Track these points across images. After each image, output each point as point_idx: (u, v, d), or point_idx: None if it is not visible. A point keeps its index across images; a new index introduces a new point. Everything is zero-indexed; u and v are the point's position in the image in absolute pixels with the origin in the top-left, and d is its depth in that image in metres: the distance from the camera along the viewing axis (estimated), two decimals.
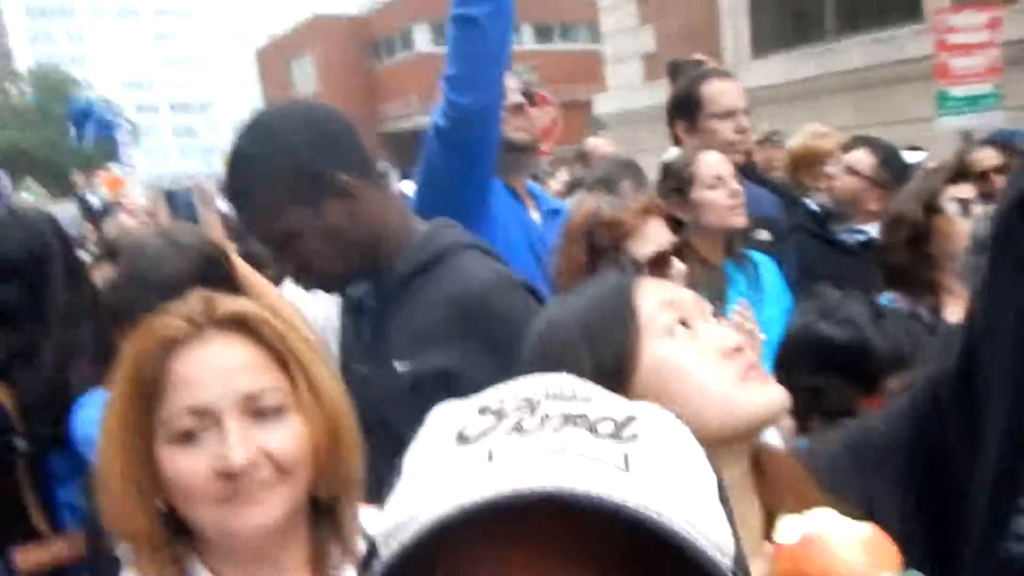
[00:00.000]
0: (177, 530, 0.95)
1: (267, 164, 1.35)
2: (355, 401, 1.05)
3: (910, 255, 2.21)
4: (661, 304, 0.93)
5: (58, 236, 2.12)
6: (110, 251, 3.71)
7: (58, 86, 64.57)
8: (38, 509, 1.98)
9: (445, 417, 0.57)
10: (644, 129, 11.80)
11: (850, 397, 1.40)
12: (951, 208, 2.17)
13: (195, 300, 1.00)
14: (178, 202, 1.98)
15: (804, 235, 2.94)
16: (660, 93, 11.50)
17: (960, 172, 2.29)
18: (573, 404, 0.53)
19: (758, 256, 2.40)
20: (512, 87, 2.20)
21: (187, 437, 0.92)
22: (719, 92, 2.61)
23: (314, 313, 2.49)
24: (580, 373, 0.89)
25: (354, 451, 1.01)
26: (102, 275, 3.60)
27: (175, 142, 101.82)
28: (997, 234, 0.85)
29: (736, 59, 10.37)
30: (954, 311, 2.11)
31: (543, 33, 31.12)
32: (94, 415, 1.67)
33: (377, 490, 1.03)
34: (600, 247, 1.79)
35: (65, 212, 2.29)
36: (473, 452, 0.49)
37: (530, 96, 2.33)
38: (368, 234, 1.41)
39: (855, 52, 8.84)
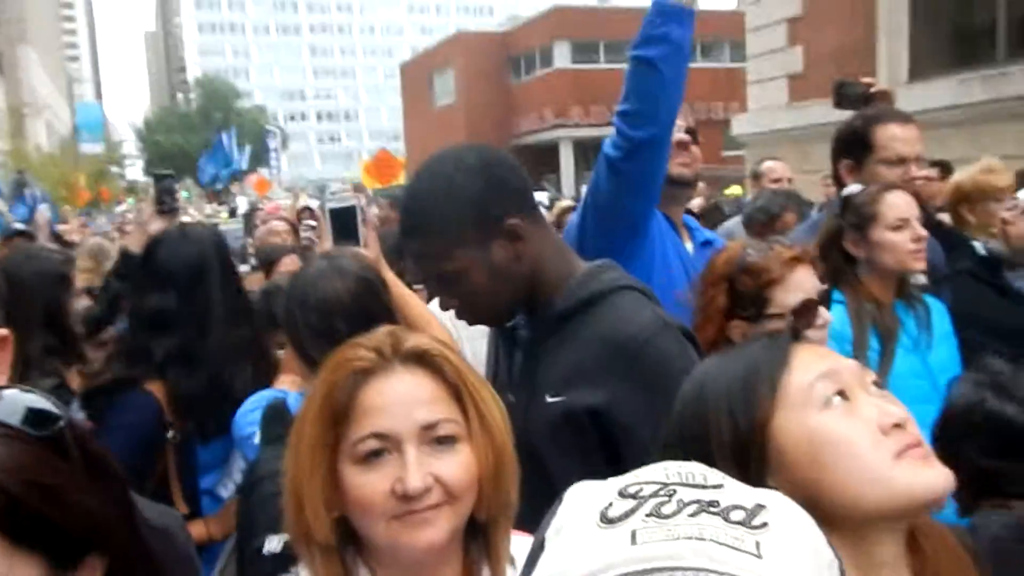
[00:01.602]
0: (346, 538, 1.05)
1: (443, 209, 1.41)
2: None
3: None
4: (819, 375, 0.91)
5: (218, 249, 2.28)
6: (264, 261, 3.91)
7: (220, 94, 69.53)
8: (180, 494, 2.11)
9: (585, 497, 0.60)
10: (786, 150, 11.43)
11: None
12: None
13: (383, 334, 1.10)
14: (338, 221, 2.07)
15: (971, 281, 2.75)
16: (804, 114, 11.14)
17: None
18: (706, 492, 0.58)
19: (929, 299, 2.31)
20: (679, 124, 2.23)
21: (370, 459, 1.01)
22: (892, 138, 2.49)
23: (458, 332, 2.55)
24: (720, 438, 0.91)
25: (513, 479, 1.08)
26: (258, 282, 3.81)
27: (318, 147, 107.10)
28: None
29: (892, 82, 9.86)
30: None
31: None
32: (255, 417, 1.79)
33: (521, 516, 1.06)
34: (743, 293, 1.78)
35: (231, 227, 2.45)
36: (617, 533, 0.54)
37: (693, 133, 2.34)
38: (531, 272, 1.45)
39: None
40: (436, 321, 2.10)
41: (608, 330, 1.38)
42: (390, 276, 2.02)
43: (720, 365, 0.99)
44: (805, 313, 1.73)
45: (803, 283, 1.77)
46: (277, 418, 1.71)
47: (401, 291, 2.05)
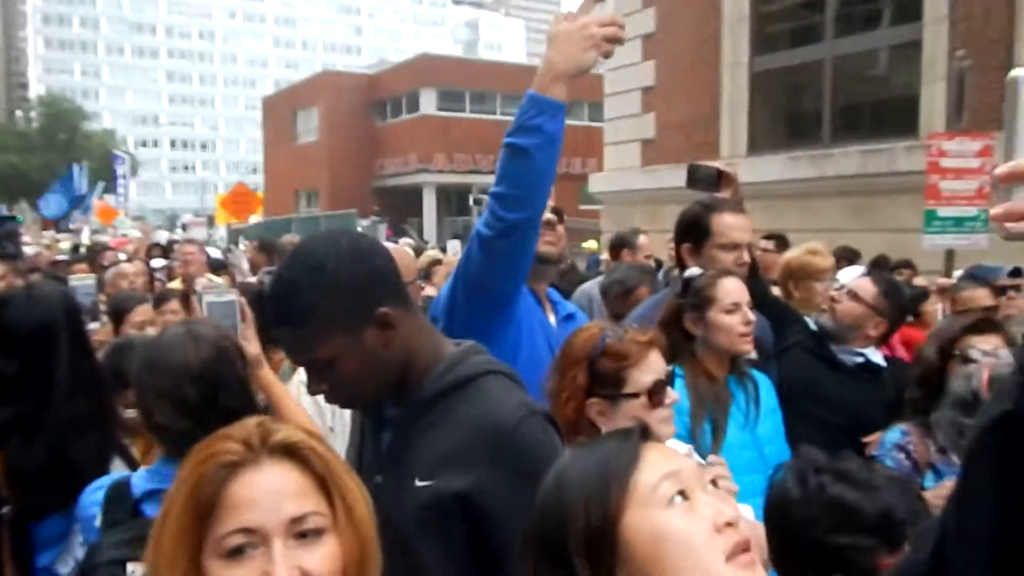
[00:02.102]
0: None
1: (315, 298, 1.41)
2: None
3: (923, 393, 2.34)
4: (662, 476, 1.00)
5: (67, 313, 2.19)
6: (115, 311, 3.76)
7: (65, 114, 65.31)
8: (14, 573, 2.00)
9: None
10: (637, 211, 12.04)
11: (878, 557, 1.45)
12: (974, 355, 2.27)
13: (252, 425, 1.09)
14: (215, 314, 2.02)
15: (803, 353, 3.01)
16: (656, 177, 11.76)
17: (986, 323, 2.42)
18: None
19: (757, 374, 2.51)
20: (547, 204, 2.33)
21: (236, 554, 1.01)
22: (728, 226, 2.73)
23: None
24: (575, 531, 0.99)
25: (376, 569, 1.10)
26: (107, 335, 3.65)
27: (171, 176, 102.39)
28: (973, 447, 0.90)
29: (732, 153, 10.64)
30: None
31: None
32: (99, 498, 1.73)
33: None
34: (602, 373, 1.88)
35: (83, 282, 2.35)
36: None
37: (560, 213, 2.47)
38: (401, 358, 1.47)
39: (850, 159, 9.10)
40: (301, 412, 2.12)
41: (477, 416, 1.42)
42: (258, 360, 2.01)
43: (577, 460, 1.06)
44: (658, 392, 1.87)
45: (655, 364, 1.90)
46: (119, 501, 1.67)
47: (268, 378, 2.05)
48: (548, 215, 2.36)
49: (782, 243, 5.93)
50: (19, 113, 74.62)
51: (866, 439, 2.63)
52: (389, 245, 3.32)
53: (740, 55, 10.57)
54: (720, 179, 3.04)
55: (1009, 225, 0.85)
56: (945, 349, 2.34)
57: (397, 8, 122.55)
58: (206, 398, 1.69)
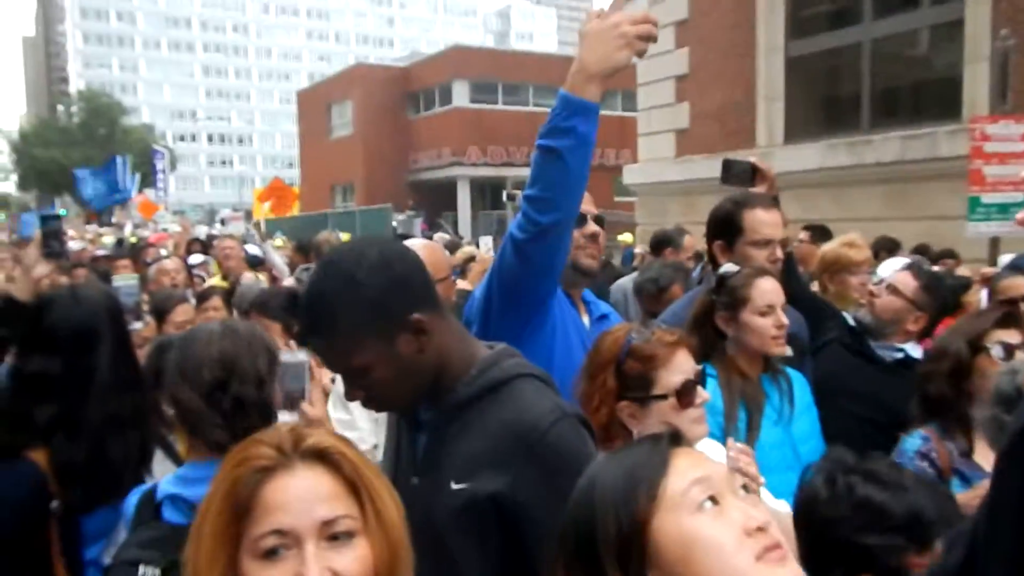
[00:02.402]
0: None
1: (346, 308, 1.44)
2: (406, 512, 1.16)
3: (950, 388, 2.28)
4: (693, 481, 1.01)
5: (110, 314, 2.24)
6: (157, 310, 3.83)
7: (105, 109, 66.50)
8: (63, 567, 2.06)
9: None
10: (672, 202, 11.95)
11: (906, 558, 1.46)
12: (996, 351, 2.23)
13: (285, 431, 1.13)
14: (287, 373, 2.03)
15: (840, 348, 2.97)
16: (690, 168, 11.66)
17: (1011, 316, 2.36)
18: None
19: (791, 372, 2.49)
20: (590, 212, 2.35)
21: (270, 555, 1.05)
22: (760, 223, 2.72)
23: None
24: (605, 535, 1.01)
25: (409, 571, 1.13)
26: (151, 332, 3.70)
27: (208, 171, 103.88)
28: (1010, 449, 0.89)
29: (769, 142, 10.51)
30: (983, 453, 2.17)
31: None
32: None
33: None
34: (630, 375, 1.89)
35: (127, 282, 2.39)
36: None
37: (601, 222, 2.45)
38: (434, 363, 1.50)
39: (889, 146, 8.93)
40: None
41: (510, 418, 1.44)
42: (320, 422, 2.02)
43: (608, 466, 1.09)
44: (687, 393, 1.86)
45: (683, 365, 1.89)
46: (147, 503, 1.73)
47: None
48: (593, 227, 2.38)
49: (823, 234, 5.82)
50: (60, 108, 76.09)
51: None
52: (421, 241, 3.34)
53: (775, 40, 10.42)
54: (755, 174, 3.02)
55: None
56: (974, 343, 2.28)
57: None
58: (219, 380, 1.75)
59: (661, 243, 5.67)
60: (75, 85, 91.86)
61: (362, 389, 1.50)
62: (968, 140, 6.52)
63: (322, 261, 1.57)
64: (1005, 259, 4.98)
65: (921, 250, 6.32)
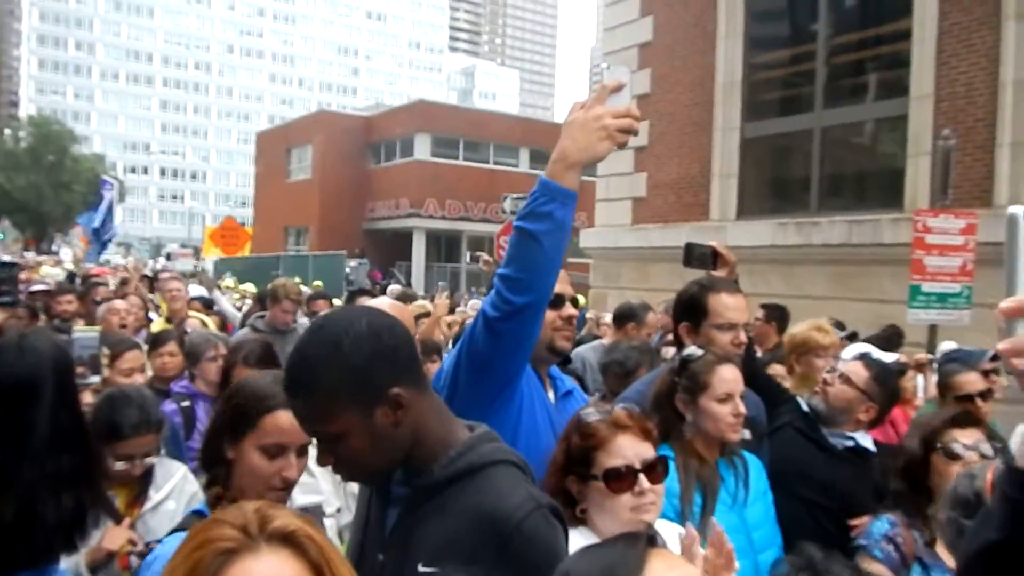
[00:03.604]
0: None
1: (328, 373, 1.44)
2: None
3: (907, 485, 2.38)
4: None
5: (56, 368, 2.13)
6: (113, 351, 3.71)
7: (55, 136, 65.28)
8: None
9: None
10: (626, 268, 12.17)
11: None
12: (956, 449, 2.32)
13: (251, 511, 1.09)
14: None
15: (793, 433, 3.03)
16: (645, 236, 11.86)
17: (967, 416, 2.46)
18: None
19: (748, 456, 2.53)
20: (567, 292, 2.37)
21: None
22: (725, 307, 2.76)
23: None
24: None
25: None
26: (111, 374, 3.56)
27: (158, 204, 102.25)
28: (962, 571, 0.93)
29: (722, 216, 10.82)
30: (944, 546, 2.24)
31: (538, 158, 32.25)
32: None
33: None
34: (574, 451, 1.91)
35: (86, 335, 2.31)
36: None
37: (575, 302, 2.48)
38: (410, 438, 1.50)
39: (836, 229, 9.27)
40: None
41: (484, 507, 1.43)
42: None
43: (583, 563, 1.10)
44: (618, 478, 1.84)
45: (624, 449, 1.87)
46: None
47: None
48: (570, 309, 2.40)
49: (779, 313, 5.94)
50: (7, 132, 74.46)
51: (853, 522, 2.65)
52: (388, 301, 3.34)
53: (732, 120, 10.81)
54: (716, 258, 3.08)
55: (1015, 361, 0.90)
56: (928, 441, 2.38)
57: (395, 52, 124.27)
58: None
59: (625, 317, 5.66)
60: (26, 110, 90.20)
61: (334, 456, 1.50)
62: (910, 229, 6.82)
63: (312, 324, 1.58)
64: (945, 346, 5.19)
65: (895, 334, 6.43)
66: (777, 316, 5.91)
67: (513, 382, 2.13)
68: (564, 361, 2.54)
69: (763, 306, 6.04)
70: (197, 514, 1.89)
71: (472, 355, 2.07)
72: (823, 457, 2.95)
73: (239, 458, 1.86)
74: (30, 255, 21.68)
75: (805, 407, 3.09)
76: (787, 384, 3.95)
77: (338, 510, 2.60)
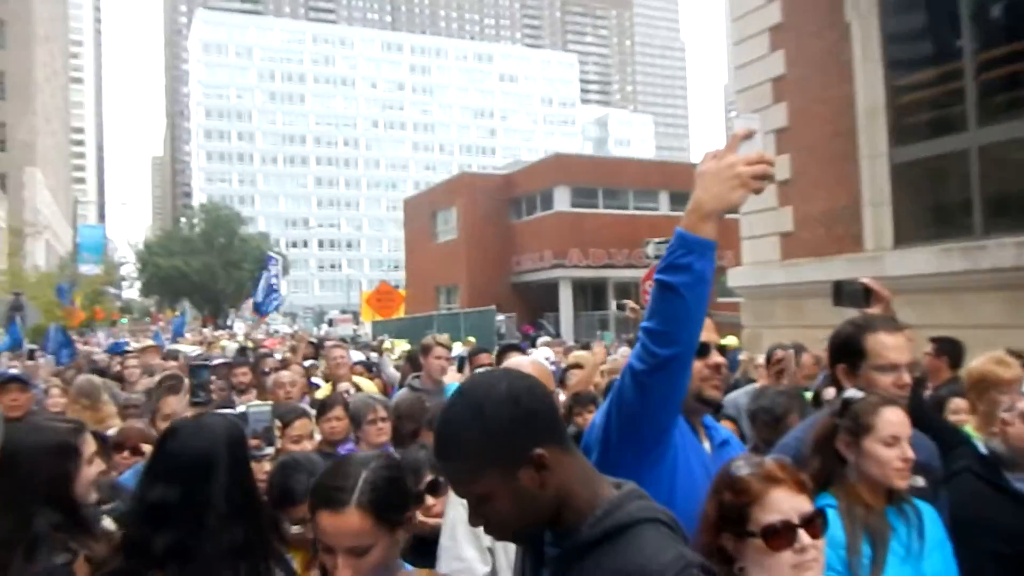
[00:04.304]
0: None
1: (471, 437, 1.52)
2: None
3: None
4: None
5: (230, 444, 2.32)
6: (283, 420, 3.94)
7: (224, 220, 71.00)
8: None
9: None
10: (778, 305, 11.77)
11: None
12: None
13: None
14: None
15: (972, 478, 2.81)
16: (797, 272, 11.43)
17: None
18: None
19: (921, 505, 2.36)
20: (712, 341, 2.34)
21: None
22: (884, 347, 2.61)
23: None
24: None
25: None
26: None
27: (318, 274, 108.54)
28: None
29: (877, 246, 10.32)
30: None
31: (679, 200, 31.91)
32: None
33: None
34: (727, 508, 1.85)
35: (259, 409, 2.54)
36: None
37: (722, 349, 2.43)
38: (556, 498, 1.53)
39: (1005, 251, 8.64)
40: None
41: (632, 568, 1.43)
42: None
43: None
44: (777, 535, 1.76)
45: (780, 503, 1.79)
46: None
47: None
48: (717, 358, 2.35)
49: (951, 346, 5.51)
50: (183, 220, 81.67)
51: None
52: (528, 359, 3.40)
53: (878, 147, 10.35)
54: (869, 295, 2.94)
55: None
56: None
57: (528, 110, 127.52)
58: None
59: (774, 361, 5.40)
60: (198, 199, 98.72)
61: (483, 516, 1.55)
62: None
63: (456, 389, 1.65)
64: None
65: None
66: (949, 350, 5.49)
67: (665, 435, 2.10)
68: (717, 409, 2.48)
69: (933, 340, 5.63)
70: None
71: (622, 409, 2.06)
72: (1007, 504, 2.70)
73: None
74: (207, 331, 23.68)
75: (983, 449, 2.86)
76: (970, 423, 3.67)
77: (492, 574, 2.65)
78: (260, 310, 16.80)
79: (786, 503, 1.80)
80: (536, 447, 1.50)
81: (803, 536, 1.77)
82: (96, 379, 6.42)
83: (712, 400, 2.36)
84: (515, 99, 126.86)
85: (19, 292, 17.16)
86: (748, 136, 1.89)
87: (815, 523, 1.80)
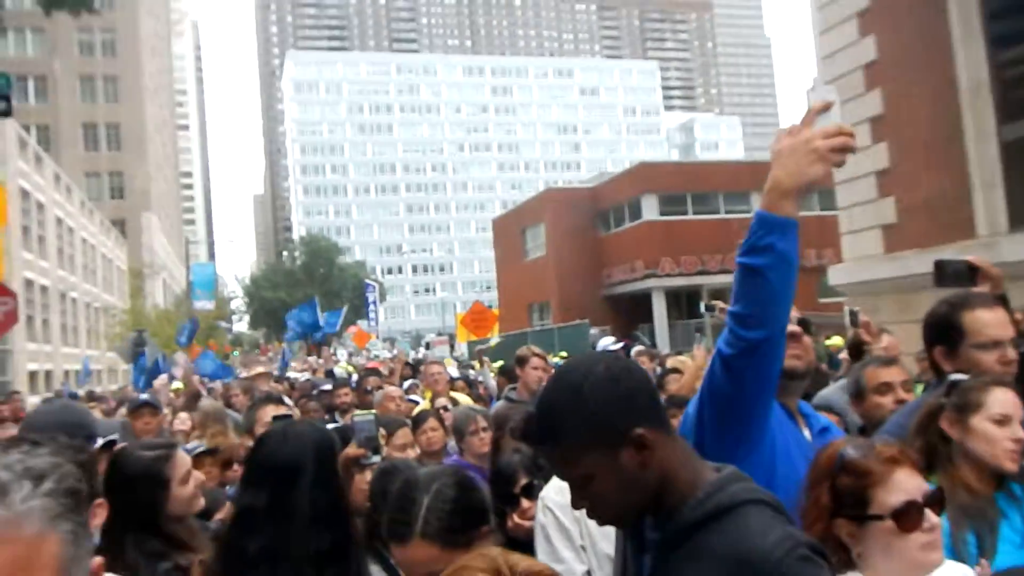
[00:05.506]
0: None
1: (571, 419, 1.51)
2: None
3: None
4: None
5: (318, 450, 2.37)
6: (387, 430, 4.04)
7: (323, 251, 73.57)
8: None
9: None
10: (884, 301, 11.27)
11: None
12: None
13: (495, 555, 1.18)
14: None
15: None
16: (902, 264, 10.94)
17: None
18: None
19: None
20: (792, 316, 2.25)
21: None
22: (983, 323, 2.49)
23: None
24: None
25: None
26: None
27: (414, 299, 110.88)
28: None
29: (991, 231, 9.77)
30: None
31: None
32: None
33: None
34: (844, 492, 1.78)
35: (364, 418, 2.59)
36: None
37: (806, 325, 2.36)
38: (658, 479, 1.51)
39: None
40: None
41: (739, 549, 1.39)
42: None
43: None
44: (908, 516, 1.70)
45: (904, 483, 1.74)
46: None
47: None
48: (792, 327, 2.26)
49: None
50: (285, 253, 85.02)
51: None
52: None
53: (986, 125, 9.82)
54: (975, 273, 2.80)
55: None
56: None
57: (611, 122, 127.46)
58: None
59: (858, 346, 5.39)
60: (297, 232, 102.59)
61: (585, 499, 1.54)
62: None
63: (555, 373, 1.65)
64: None
65: None
66: None
67: (760, 420, 2.04)
68: (804, 383, 2.38)
69: None
70: None
71: (714, 395, 2.02)
72: None
73: None
74: (312, 359, 24.55)
75: None
76: None
77: (587, 573, 2.61)
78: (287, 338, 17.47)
79: (910, 483, 1.75)
80: (636, 427, 1.49)
81: (930, 515, 1.71)
82: (219, 404, 6.71)
83: (793, 370, 2.26)
84: (597, 111, 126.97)
85: (142, 329, 18.18)
86: (825, 109, 1.81)
87: (938, 501, 1.75)
